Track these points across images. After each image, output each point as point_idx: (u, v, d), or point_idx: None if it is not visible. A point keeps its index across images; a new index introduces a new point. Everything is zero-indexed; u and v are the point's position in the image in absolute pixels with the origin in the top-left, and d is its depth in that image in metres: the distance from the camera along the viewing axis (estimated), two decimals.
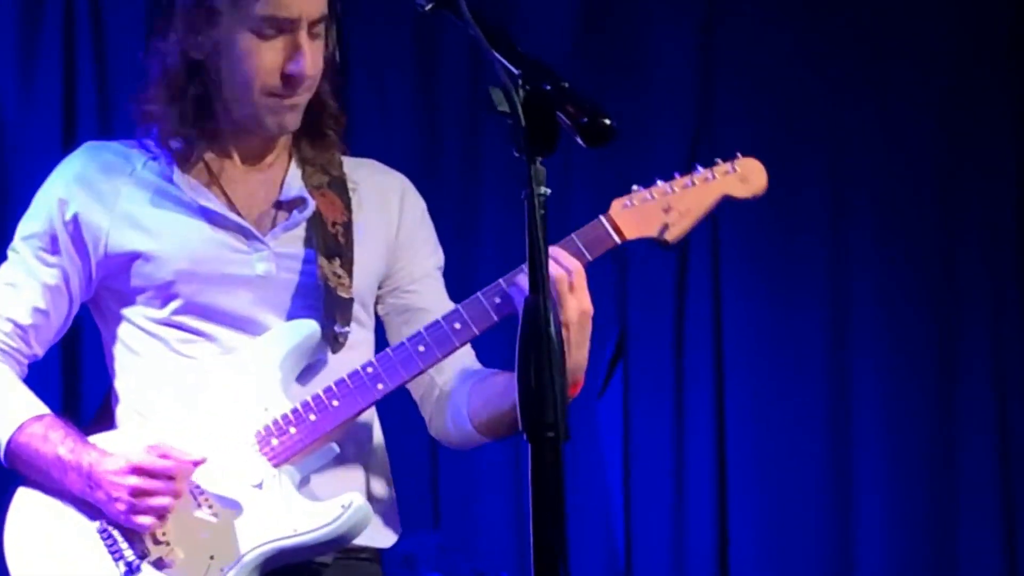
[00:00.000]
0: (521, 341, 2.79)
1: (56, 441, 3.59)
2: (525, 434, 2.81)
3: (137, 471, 3.50)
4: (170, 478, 3.56)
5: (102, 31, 6.23)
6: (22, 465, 3.65)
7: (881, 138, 6.73)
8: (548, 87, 2.84)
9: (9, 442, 3.62)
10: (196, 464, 3.57)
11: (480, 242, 6.46)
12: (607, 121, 2.79)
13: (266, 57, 3.58)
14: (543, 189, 2.80)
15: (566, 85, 2.85)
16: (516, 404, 3.26)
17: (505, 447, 5.89)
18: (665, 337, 6.63)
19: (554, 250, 3.44)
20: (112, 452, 3.57)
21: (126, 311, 3.75)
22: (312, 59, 3.62)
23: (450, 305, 3.82)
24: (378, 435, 3.83)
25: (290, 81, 3.59)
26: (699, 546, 6.52)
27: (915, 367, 6.69)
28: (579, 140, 2.82)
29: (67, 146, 5.76)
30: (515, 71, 2.87)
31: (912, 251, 6.76)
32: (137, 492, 3.51)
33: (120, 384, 3.81)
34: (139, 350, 3.76)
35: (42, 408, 3.68)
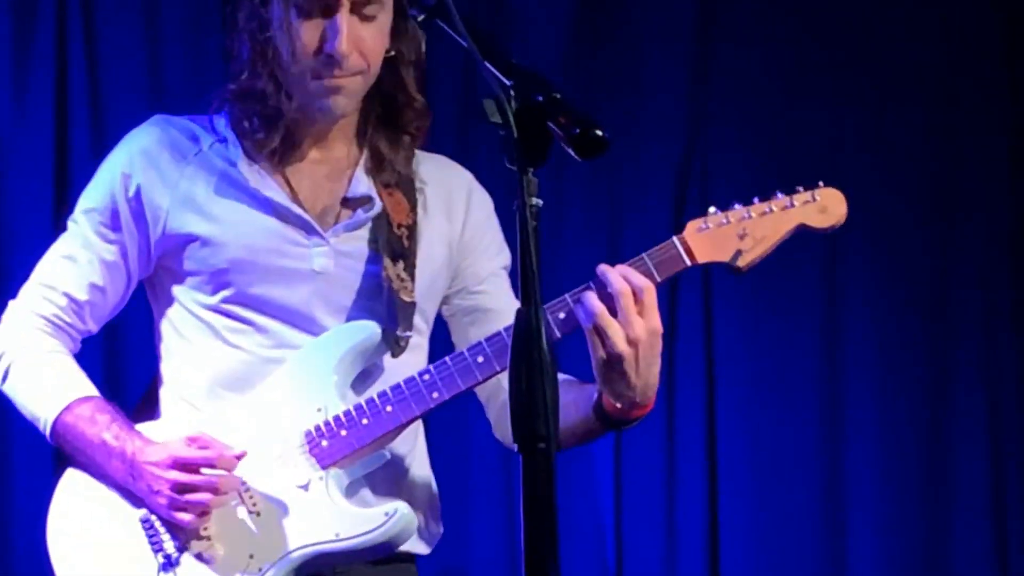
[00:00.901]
0: (513, 353, 2.81)
1: (103, 424, 3.61)
2: (516, 445, 2.82)
3: (179, 464, 3.52)
4: (211, 473, 3.60)
5: (94, 39, 6.11)
6: (67, 445, 3.67)
7: (875, 154, 6.70)
8: (540, 98, 2.86)
9: (56, 420, 3.63)
10: (238, 458, 3.58)
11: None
12: (599, 132, 2.83)
13: (305, 35, 3.59)
14: (535, 200, 2.81)
15: (558, 96, 2.87)
16: (586, 417, 3.63)
17: (496, 456, 5.92)
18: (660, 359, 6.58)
19: (624, 268, 3.46)
20: (156, 442, 3.59)
21: (178, 293, 3.77)
22: (350, 38, 3.60)
23: (515, 302, 3.43)
24: (423, 444, 3.83)
25: (329, 61, 3.59)
26: (690, 555, 6.53)
27: (907, 377, 6.66)
28: (571, 152, 2.84)
29: (59, 154, 5.94)
30: (507, 82, 2.90)
31: (905, 265, 6.73)
32: (178, 487, 3.53)
33: (166, 367, 3.83)
34: (187, 334, 3.77)
35: (91, 389, 3.69)
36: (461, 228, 3.93)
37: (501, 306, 3.90)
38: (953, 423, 6.68)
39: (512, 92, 2.91)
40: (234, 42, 3.76)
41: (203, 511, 3.58)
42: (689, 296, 6.52)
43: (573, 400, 3.64)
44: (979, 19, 6.84)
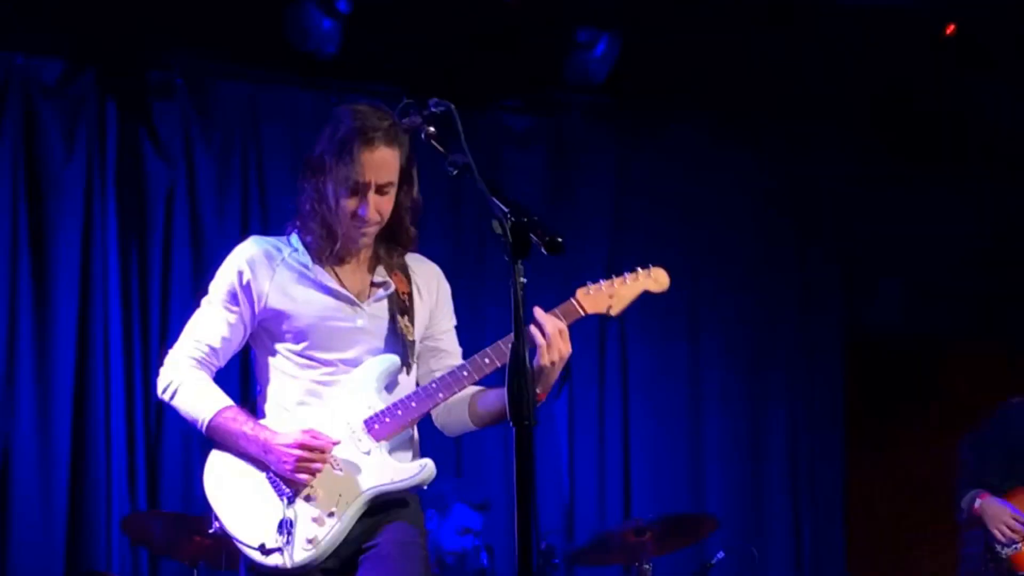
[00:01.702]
0: (510, 367, 3.48)
1: (242, 422, 4.36)
2: (512, 423, 3.46)
3: (300, 446, 4.27)
4: (322, 451, 4.30)
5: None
6: (218, 436, 4.40)
7: (723, 257, 8.62)
8: (524, 219, 3.53)
9: (210, 421, 4.38)
10: (335, 443, 4.33)
11: (485, 313, 7.58)
12: (559, 239, 3.53)
13: (346, 205, 4.34)
14: (522, 279, 3.48)
15: (535, 218, 3.55)
16: (501, 410, 4.15)
17: (500, 430, 5.72)
18: (594, 366, 8.37)
19: (549, 317, 4.20)
20: (280, 432, 4.32)
21: (274, 344, 4.50)
22: (375, 208, 4.33)
23: (458, 350, 4.63)
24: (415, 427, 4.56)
25: (360, 219, 4.34)
26: (614, 488, 8.30)
27: (739, 380, 8.62)
28: (543, 251, 3.53)
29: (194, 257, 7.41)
30: (505, 209, 3.55)
31: (742, 315, 8.72)
32: (300, 459, 4.27)
33: (268, 389, 4.51)
34: (280, 367, 4.50)
35: (230, 401, 4.44)
36: (434, 300, 4.62)
37: (451, 348, 4.62)
38: (767, 412, 8.69)
39: (508, 215, 3.53)
40: (302, 197, 4.42)
41: (315, 474, 4.30)
42: (612, 339, 8.39)
43: (493, 400, 4.41)
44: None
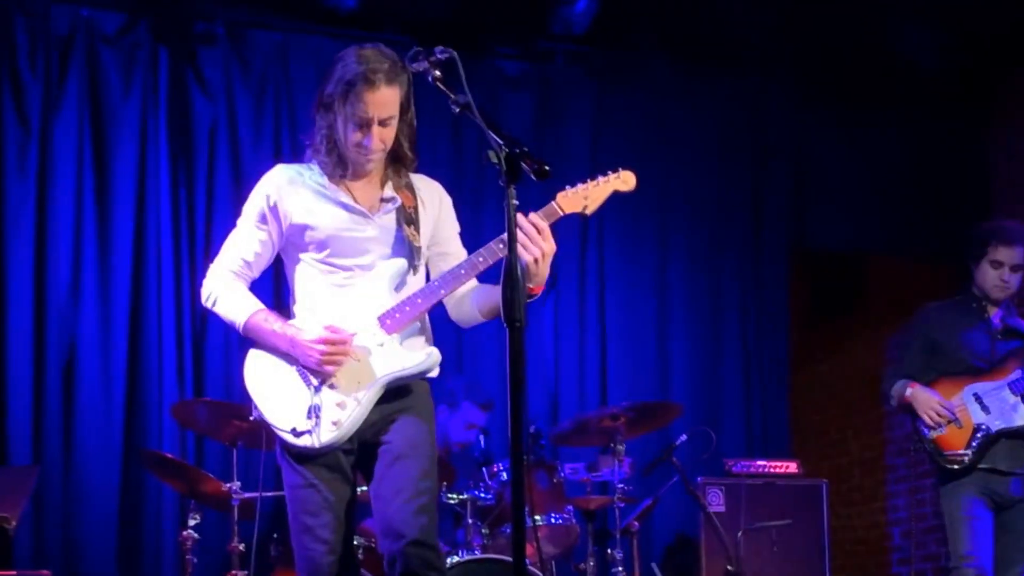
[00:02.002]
0: (503, 276, 3.52)
1: (272, 322, 4.43)
2: (504, 323, 3.47)
3: (323, 341, 4.31)
4: (343, 344, 4.33)
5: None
6: (253, 334, 4.46)
7: (692, 177, 8.70)
8: (516, 150, 3.57)
9: (246, 322, 4.45)
10: (353, 335, 4.36)
11: (482, 222, 7.57)
12: (547, 167, 3.59)
13: (353, 136, 4.35)
14: (514, 202, 3.56)
15: (525, 149, 3.59)
16: (496, 303, 4.25)
17: (496, 331, 6.68)
18: (574, 274, 8.40)
19: (528, 218, 4.13)
20: (304, 329, 4.37)
21: (301, 254, 4.50)
22: (378, 138, 4.34)
23: (463, 252, 4.56)
24: (427, 320, 4.58)
25: (366, 148, 4.36)
26: (592, 380, 8.37)
27: (703, 292, 8.69)
28: (532, 176, 3.58)
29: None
30: (500, 141, 3.60)
31: (703, 228, 8.74)
32: (324, 353, 4.30)
33: (297, 293, 4.54)
34: (308, 275, 4.50)
35: (262, 305, 4.50)
36: (437, 211, 4.59)
37: (456, 251, 4.59)
38: (723, 314, 8.75)
39: (502, 146, 3.58)
40: (316, 129, 4.44)
41: (339, 365, 4.34)
42: (592, 250, 8.41)
43: (494, 293, 4.34)
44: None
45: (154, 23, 7.63)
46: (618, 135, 8.60)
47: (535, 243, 4.09)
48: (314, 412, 4.29)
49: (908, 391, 6.38)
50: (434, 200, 4.60)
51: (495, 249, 4.29)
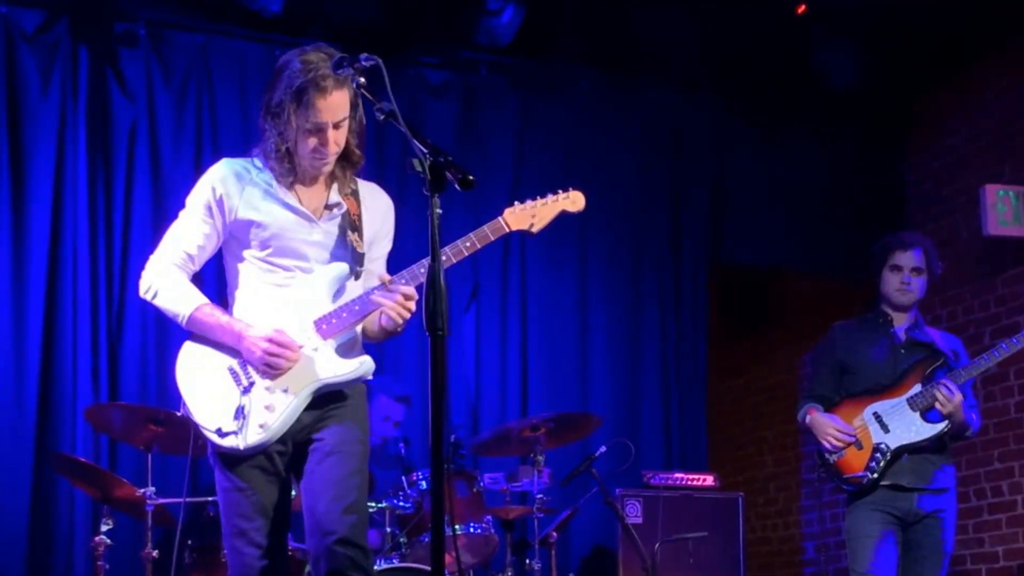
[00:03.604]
0: (426, 285, 3.56)
1: (218, 315, 4.40)
2: (427, 331, 3.52)
3: (272, 340, 4.30)
4: (288, 349, 4.31)
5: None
6: (196, 328, 4.42)
7: (613, 191, 8.67)
8: (440, 159, 3.63)
9: (191, 315, 4.40)
10: (300, 347, 4.34)
11: (404, 228, 6.66)
12: (471, 177, 3.64)
13: (308, 141, 4.34)
14: (438, 211, 3.57)
15: (450, 158, 3.64)
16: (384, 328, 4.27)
17: (418, 336, 7.18)
18: (497, 284, 8.40)
19: (403, 286, 4.26)
20: (253, 325, 4.32)
21: (244, 251, 4.46)
22: (332, 142, 4.34)
23: (385, 273, 4.50)
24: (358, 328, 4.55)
25: (320, 152, 4.34)
26: (513, 390, 8.33)
27: (623, 307, 8.72)
28: (456, 186, 3.63)
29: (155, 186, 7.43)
30: (424, 150, 3.65)
31: (624, 244, 8.76)
32: (270, 352, 4.30)
33: (236, 292, 4.50)
34: (248, 272, 4.47)
35: (205, 298, 4.44)
36: (379, 227, 4.58)
37: (379, 272, 4.52)
38: (642, 330, 8.76)
39: (427, 154, 3.63)
40: (265, 135, 4.38)
41: (279, 368, 4.32)
42: (513, 264, 8.41)
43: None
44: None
45: (74, 22, 7.53)
46: (541, 146, 8.62)
47: (405, 309, 4.26)
48: (241, 413, 4.27)
49: (808, 418, 6.41)
50: (379, 213, 4.61)
51: (416, 273, 4.31)
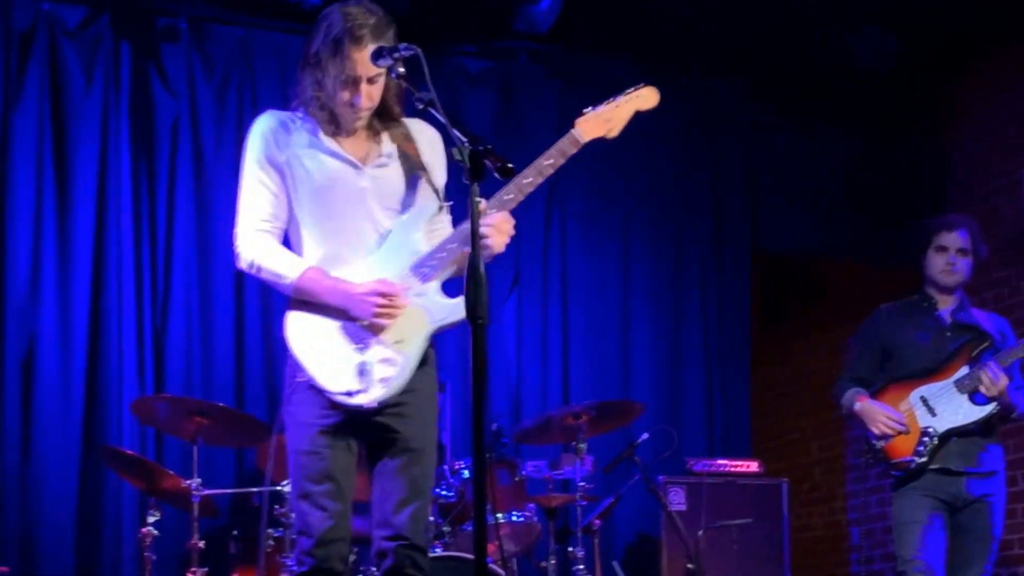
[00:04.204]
0: (467, 273, 3.55)
1: (323, 277, 4.32)
2: (468, 321, 3.53)
3: (377, 292, 4.23)
4: (395, 296, 4.23)
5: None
6: (303, 293, 4.34)
7: (653, 180, 8.72)
8: (480, 148, 3.64)
9: (296, 280, 4.33)
10: (405, 288, 4.26)
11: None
12: (510, 165, 3.65)
13: (343, 94, 4.30)
14: (478, 198, 3.63)
15: (489, 147, 3.64)
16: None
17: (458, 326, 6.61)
18: (537, 271, 8.41)
19: (490, 215, 4.15)
20: (356, 283, 4.25)
21: (302, 213, 4.41)
22: (366, 96, 4.30)
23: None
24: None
25: (354, 105, 4.31)
26: (555, 378, 8.35)
27: (665, 293, 8.73)
28: (496, 174, 3.65)
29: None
30: (464, 139, 3.66)
31: (665, 232, 8.79)
32: (379, 304, 4.23)
33: (306, 240, 4.41)
34: (310, 240, 4.41)
35: (309, 262, 4.35)
36: (430, 154, 4.45)
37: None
38: (686, 316, 8.77)
39: (467, 143, 3.64)
40: (303, 86, 4.37)
41: (391, 317, 4.25)
42: (554, 250, 8.40)
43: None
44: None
45: (115, 17, 7.58)
46: None
47: (505, 234, 4.18)
48: (364, 370, 4.24)
49: (856, 406, 6.38)
50: (427, 144, 4.49)
51: (503, 200, 4.23)
